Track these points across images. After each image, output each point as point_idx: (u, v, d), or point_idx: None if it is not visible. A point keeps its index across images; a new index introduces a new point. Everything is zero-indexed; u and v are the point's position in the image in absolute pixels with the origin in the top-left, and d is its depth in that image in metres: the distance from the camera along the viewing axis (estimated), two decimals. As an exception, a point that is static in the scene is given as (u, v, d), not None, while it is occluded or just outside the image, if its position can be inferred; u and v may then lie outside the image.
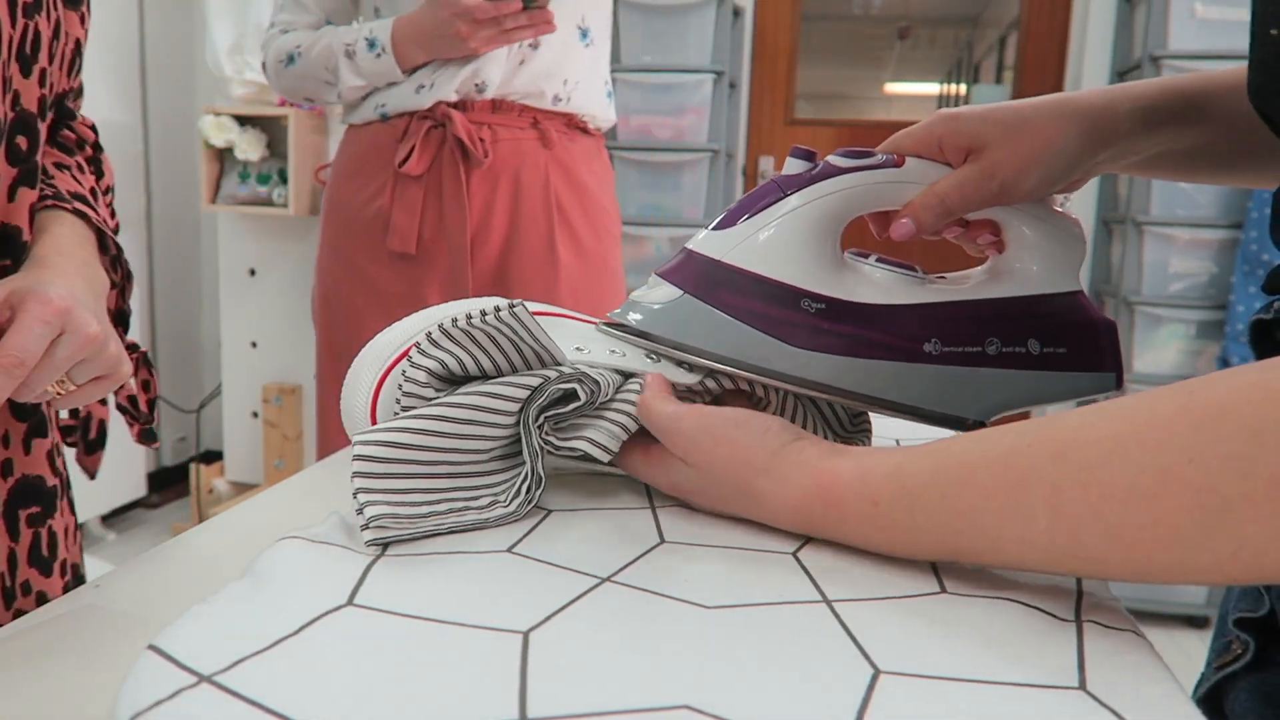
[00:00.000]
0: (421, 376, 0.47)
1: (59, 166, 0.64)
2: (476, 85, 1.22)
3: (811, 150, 0.54)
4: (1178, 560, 0.32)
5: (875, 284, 0.54)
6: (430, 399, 0.47)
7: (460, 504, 0.46)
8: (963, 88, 4.20)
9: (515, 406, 0.48)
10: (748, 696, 0.30)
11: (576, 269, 1.30)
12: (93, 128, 0.69)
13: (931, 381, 0.53)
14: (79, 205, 0.59)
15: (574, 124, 1.29)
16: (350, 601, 0.35)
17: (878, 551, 0.42)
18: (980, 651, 0.34)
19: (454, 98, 1.22)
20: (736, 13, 2.72)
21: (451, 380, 0.48)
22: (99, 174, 0.67)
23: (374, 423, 0.50)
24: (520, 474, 0.48)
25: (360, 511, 0.42)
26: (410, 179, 1.24)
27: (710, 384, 0.53)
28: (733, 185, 2.89)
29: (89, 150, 0.67)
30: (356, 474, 0.43)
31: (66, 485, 0.66)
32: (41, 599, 0.62)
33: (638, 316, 0.54)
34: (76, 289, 0.51)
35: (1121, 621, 0.37)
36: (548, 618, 0.34)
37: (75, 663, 0.49)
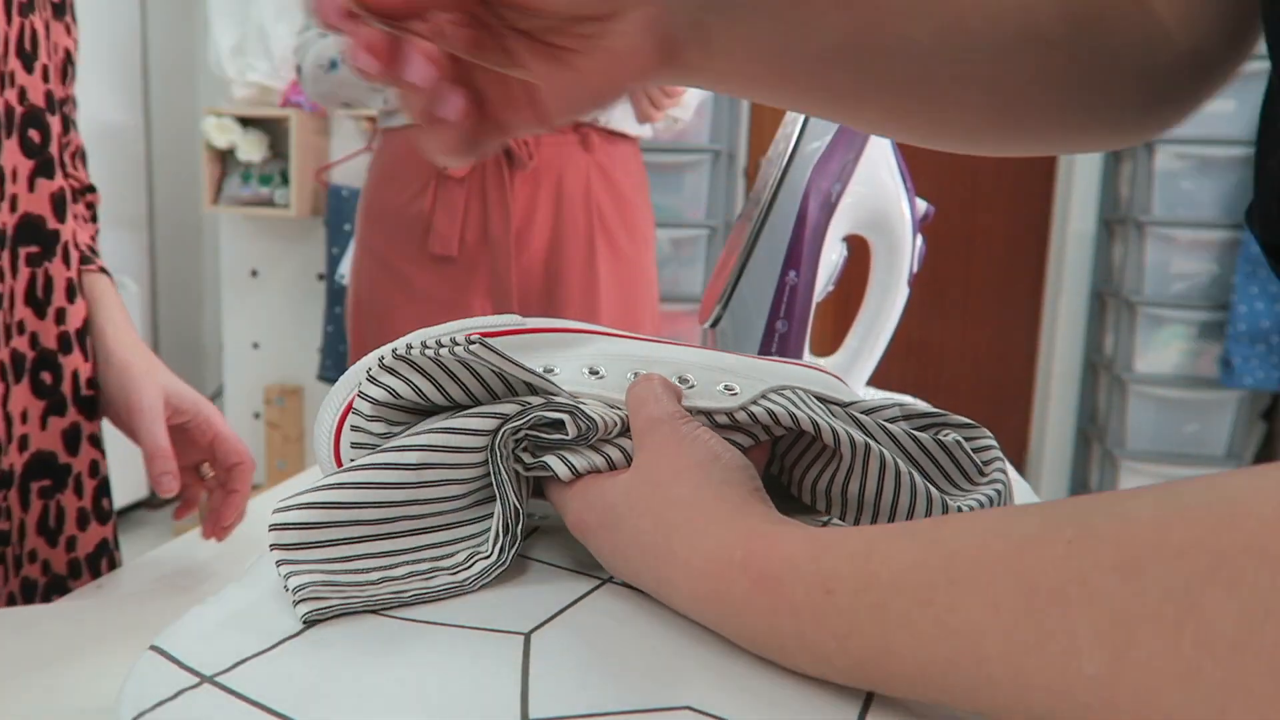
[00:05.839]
0: (367, 409, 0.38)
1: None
2: None
3: None
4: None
5: None
6: (383, 435, 0.39)
7: (426, 565, 0.36)
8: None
9: (485, 441, 0.38)
10: (749, 697, 0.30)
11: (614, 272, 1.30)
12: (81, 154, 0.75)
13: None
14: (100, 263, 0.72)
15: (613, 130, 1.30)
16: (351, 602, 0.35)
17: (797, 664, 0.29)
18: (981, 652, 0.34)
19: None
20: (738, 14, 2.72)
21: (415, 412, 0.39)
22: (94, 216, 0.76)
23: (339, 466, 0.41)
24: (496, 514, 0.38)
25: (286, 583, 0.34)
26: (453, 181, 1.23)
27: (758, 412, 0.39)
28: (734, 186, 2.88)
29: (87, 196, 0.75)
30: (275, 545, 0.35)
31: (94, 474, 0.70)
32: (46, 568, 0.66)
33: None
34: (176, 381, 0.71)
35: (1123, 622, 0.37)
36: (549, 619, 0.34)
37: (76, 662, 0.49)
